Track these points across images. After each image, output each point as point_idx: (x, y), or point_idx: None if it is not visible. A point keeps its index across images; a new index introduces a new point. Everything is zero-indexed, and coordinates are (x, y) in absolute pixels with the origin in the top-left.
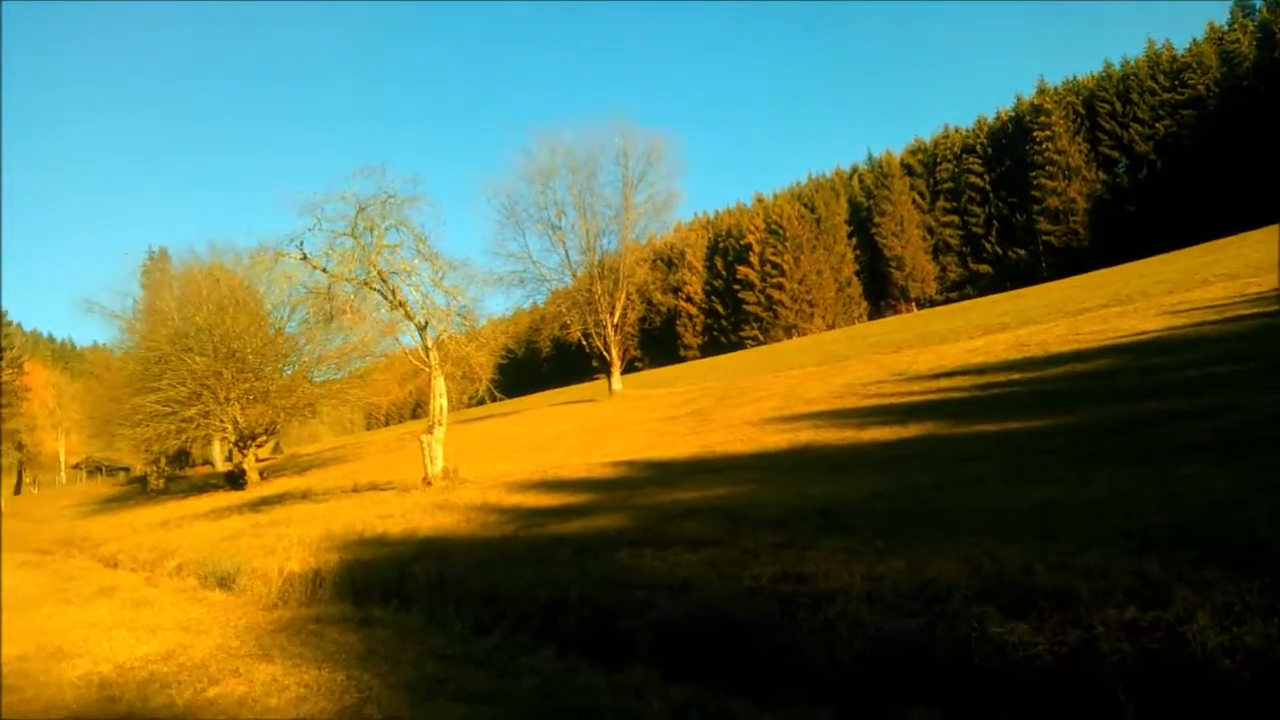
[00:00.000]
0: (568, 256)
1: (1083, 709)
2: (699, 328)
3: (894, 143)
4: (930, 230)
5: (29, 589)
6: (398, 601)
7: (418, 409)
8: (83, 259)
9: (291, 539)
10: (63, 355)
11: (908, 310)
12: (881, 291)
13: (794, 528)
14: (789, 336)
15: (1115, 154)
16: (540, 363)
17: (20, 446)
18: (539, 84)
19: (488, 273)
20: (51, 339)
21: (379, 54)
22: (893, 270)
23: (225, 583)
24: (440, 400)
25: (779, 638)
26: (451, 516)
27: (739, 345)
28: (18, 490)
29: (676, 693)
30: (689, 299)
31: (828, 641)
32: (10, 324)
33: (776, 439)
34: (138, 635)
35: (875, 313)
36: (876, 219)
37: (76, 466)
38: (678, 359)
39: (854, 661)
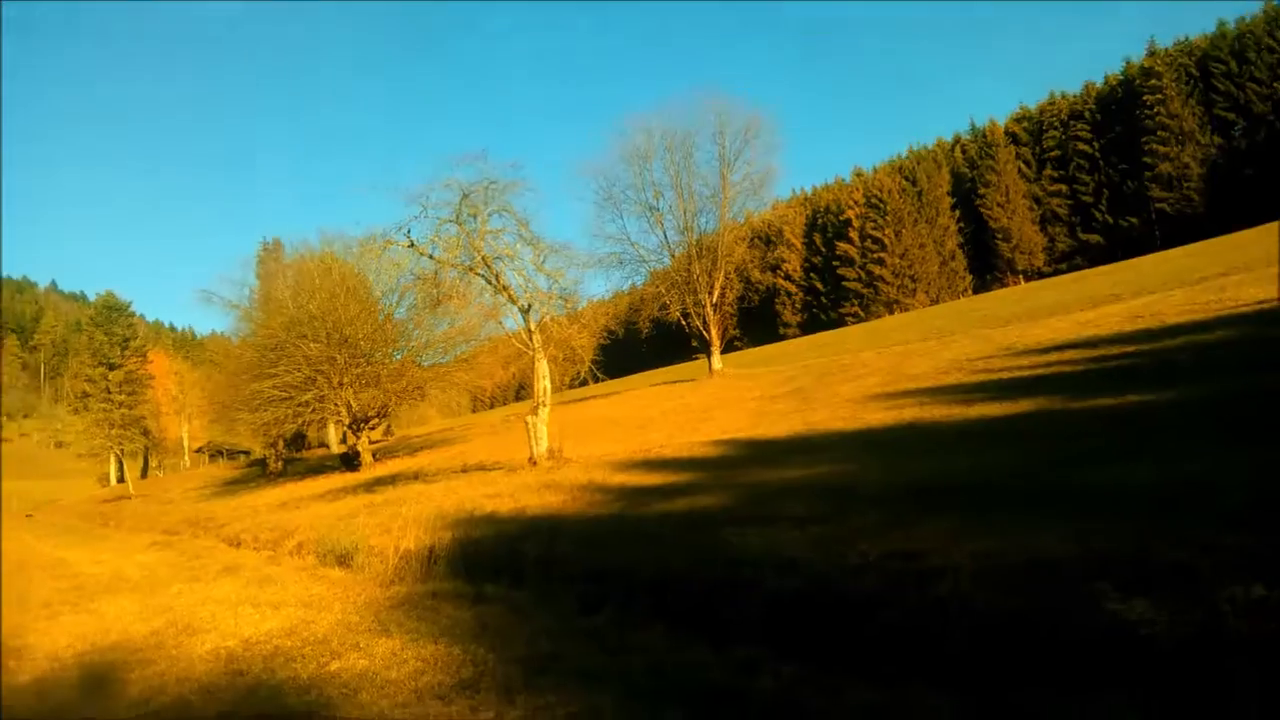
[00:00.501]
0: (666, 237)
1: (1209, 690)
2: (798, 305)
3: (997, 111)
4: (1037, 200)
5: (159, 568)
6: (508, 578)
7: (520, 391)
8: (202, 251)
9: (405, 518)
10: (184, 344)
11: (1015, 283)
12: (987, 265)
13: (900, 505)
14: (891, 313)
15: (1231, 116)
16: (639, 343)
17: (146, 432)
18: (636, 65)
19: (587, 255)
20: (173, 328)
21: (481, 44)
22: (998, 242)
23: (343, 560)
24: (544, 382)
25: (888, 615)
26: (558, 495)
27: (839, 322)
28: (144, 474)
29: (786, 670)
30: (788, 276)
31: (938, 619)
32: (134, 315)
33: (880, 416)
34: (262, 611)
35: (981, 286)
36: (981, 190)
37: (199, 450)
38: (777, 337)
39: (965, 640)
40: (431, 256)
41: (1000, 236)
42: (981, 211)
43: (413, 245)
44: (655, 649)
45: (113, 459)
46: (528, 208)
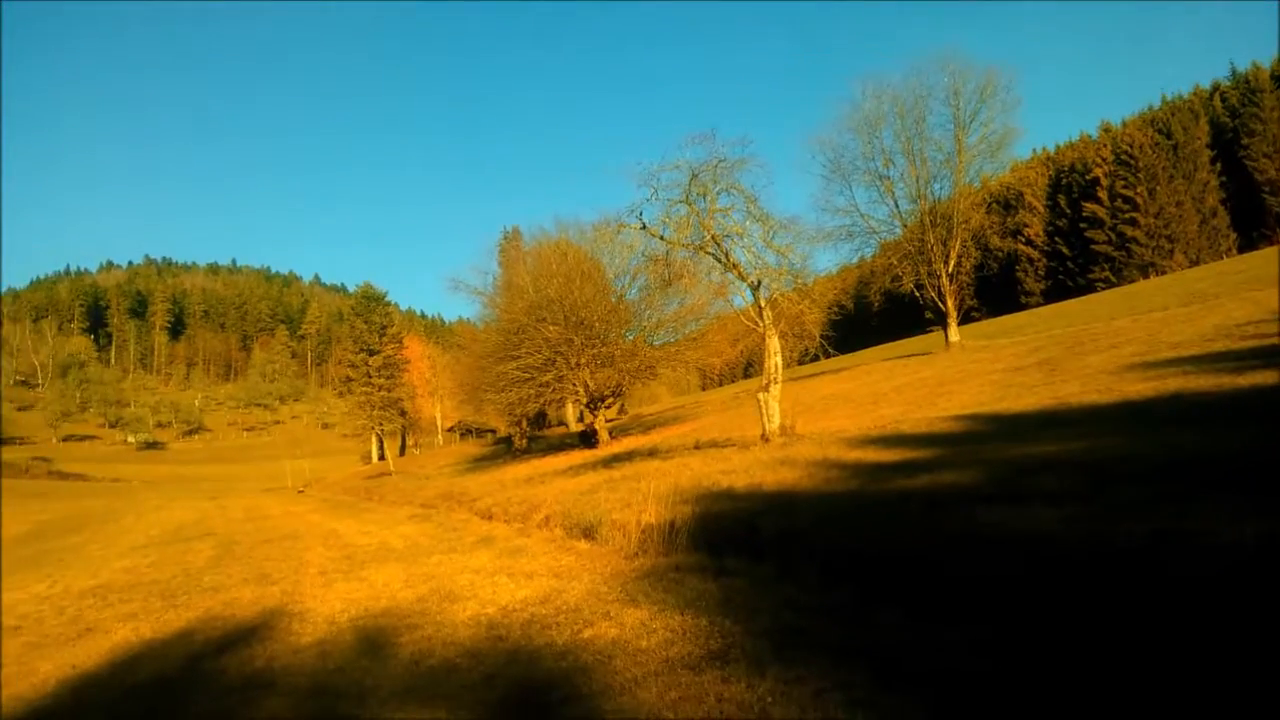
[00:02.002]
0: (897, 206)
1: None
2: (1041, 272)
3: (1261, 54)
4: None
5: (419, 539)
6: (748, 553)
7: (749, 368)
8: (448, 242)
9: (644, 493)
10: (434, 330)
11: None
12: (1253, 221)
13: (1166, 482)
14: (1145, 276)
15: None
16: (870, 317)
17: (403, 413)
18: (872, 27)
19: (816, 229)
20: (424, 315)
21: (707, 20)
22: (1266, 196)
23: (588, 533)
24: (775, 358)
25: (1160, 600)
26: (793, 472)
27: (1088, 288)
28: (402, 452)
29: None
30: (1029, 242)
31: (1219, 607)
32: (390, 304)
33: (1139, 387)
34: (516, 581)
35: (1247, 245)
36: (1244, 140)
37: (451, 429)
38: (1018, 306)
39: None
40: (662, 237)
41: (1267, 190)
42: (1246, 164)
43: (644, 227)
44: (899, 628)
45: (374, 438)
46: (755, 184)
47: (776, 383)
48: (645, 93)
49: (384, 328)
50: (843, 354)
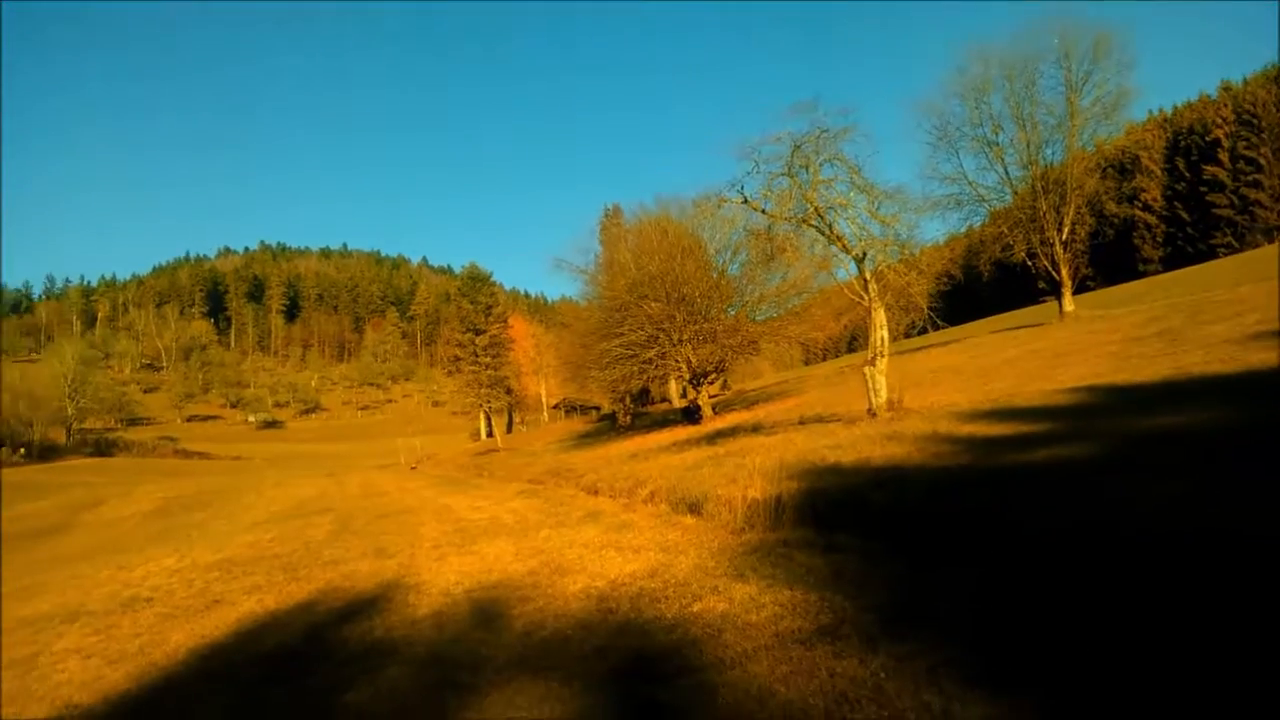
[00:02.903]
0: (1006, 173)
1: None
2: (1159, 238)
3: None
4: None
5: (528, 513)
6: (857, 528)
7: (853, 342)
8: (551, 222)
9: (749, 468)
10: (538, 309)
11: None
12: None
13: None
14: (1270, 241)
15: None
16: (980, 288)
17: (509, 391)
18: None
19: (922, 198)
20: (528, 295)
21: None
22: None
23: (694, 508)
24: (881, 332)
25: None
26: (902, 447)
27: (1209, 255)
28: (509, 429)
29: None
30: (1146, 207)
31: None
32: (495, 284)
33: (1264, 357)
34: (624, 555)
35: None
36: None
37: (556, 406)
38: (1136, 274)
39: None
40: (764, 211)
41: None
42: None
43: (746, 201)
44: (1017, 607)
45: (482, 415)
46: (859, 154)
47: (883, 356)
48: (744, 66)
49: (489, 308)
50: (951, 326)
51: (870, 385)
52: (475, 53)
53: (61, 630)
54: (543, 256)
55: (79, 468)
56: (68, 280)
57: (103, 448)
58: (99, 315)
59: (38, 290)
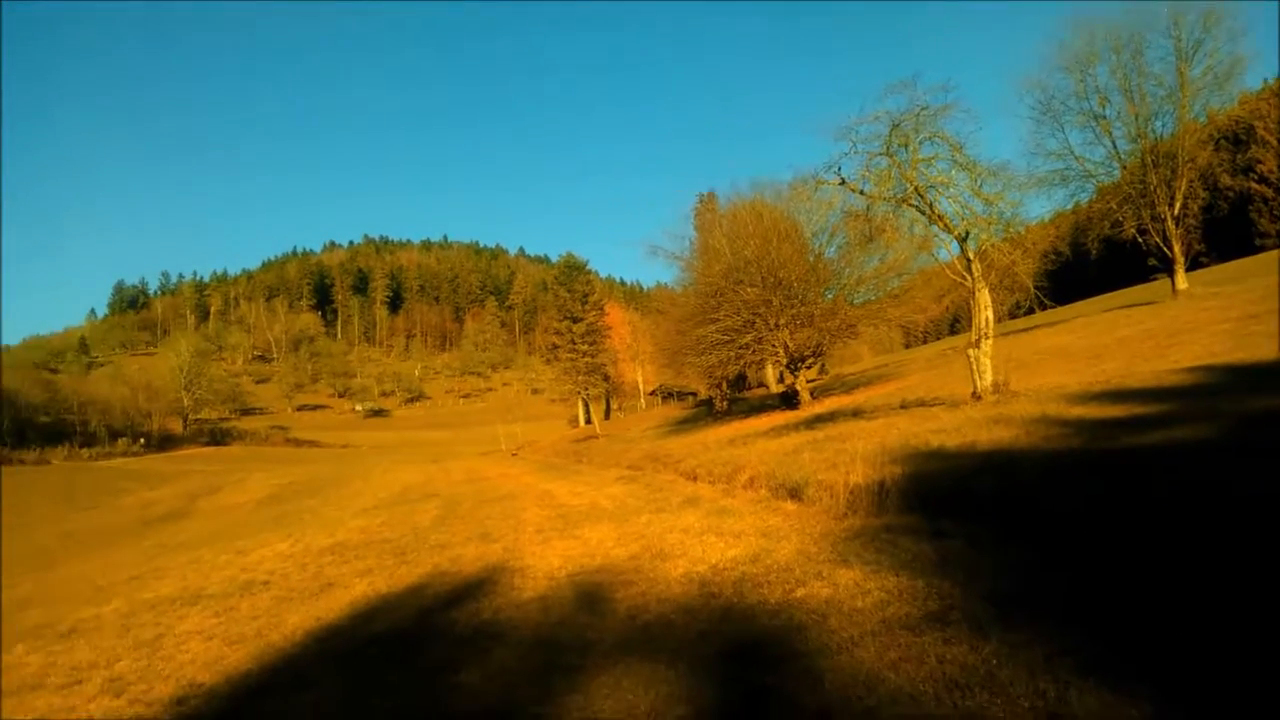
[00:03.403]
0: (1114, 147)
1: None
2: (1277, 212)
3: None
4: None
5: (628, 499)
6: (963, 514)
7: (955, 324)
8: (643, 209)
9: (850, 453)
10: (633, 296)
11: None
12: None
13: None
14: None
15: None
16: (1088, 266)
17: (607, 378)
18: None
19: (1026, 175)
20: (623, 282)
21: None
22: None
23: (794, 494)
24: (985, 312)
25: None
26: (1009, 430)
27: None
28: (607, 415)
29: None
30: (1263, 179)
31: None
32: (591, 272)
33: None
34: (725, 540)
35: None
36: None
37: (652, 393)
38: (1252, 250)
39: None
40: (862, 192)
41: None
42: None
43: (843, 182)
44: (1137, 596)
45: (580, 402)
46: (961, 131)
47: (987, 338)
48: (841, 48)
49: (586, 295)
50: (1058, 306)
51: (975, 368)
52: (570, 42)
53: (183, 613)
54: (638, 244)
55: (196, 456)
56: (181, 276)
57: (218, 437)
58: (211, 309)
59: (153, 286)
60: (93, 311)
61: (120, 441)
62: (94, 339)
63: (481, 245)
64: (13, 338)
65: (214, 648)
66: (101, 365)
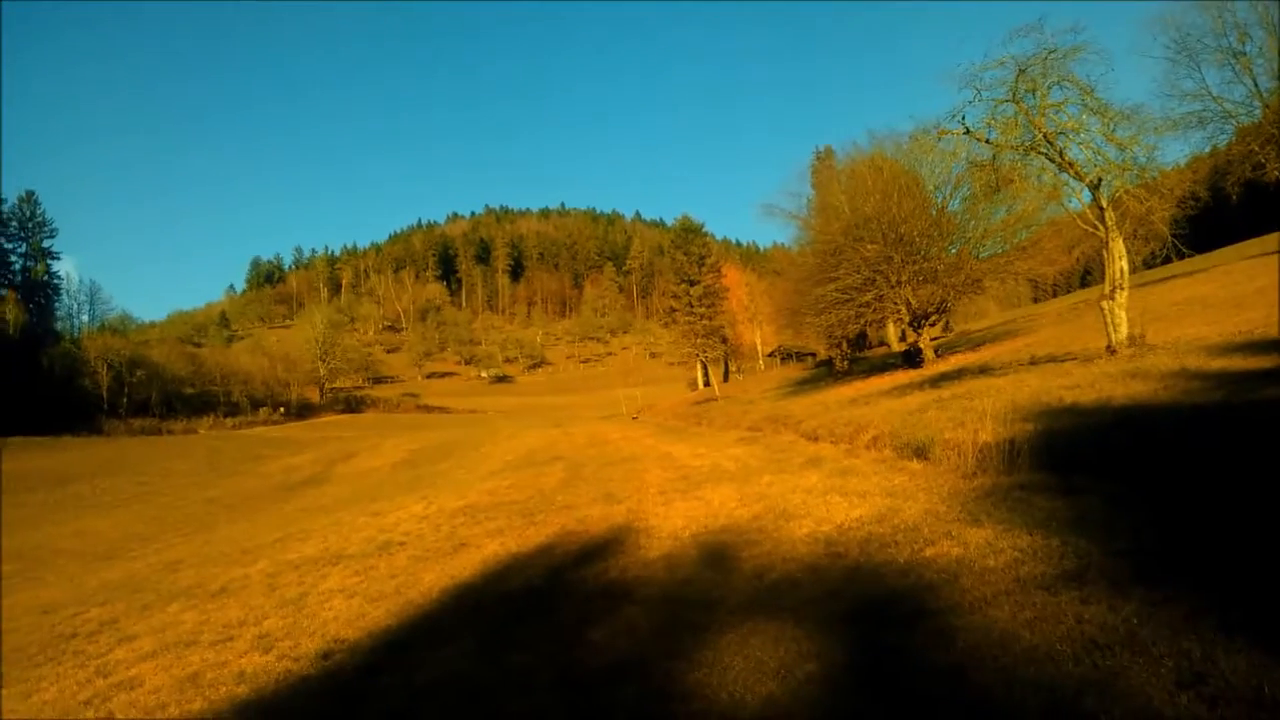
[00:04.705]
0: (1256, 85)
1: None
2: None
3: None
4: None
5: (749, 460)
6: (1099, 471)
7: (1086, 277)
8: (760, 168)
9: (978, 411)
10: (749, 257)
11: None
12: None
13: None
14: None
15: None
16: (1228, 212)
17: (724, 340)
18: None
19: (1162, 118)
20: (739, 243)
21: None
22: None
23: (920, 453)
24: (1120, 263)
25: None
26: (1146, 384)
27: None
28: (725, 378)
29: None
30: None
31: None
32: (707, 234)
33: None
34: (849, 500)
35: None
36: None
37: (771, 354)
38: None
39: None
40: (987, 141)
41: None
42: None
43: (968, 132)
44: None
45: (698, 365)
46: (1092, 74)
47: (1122, 289)
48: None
49: (702, 258)
50: (1196, 254)
51: (1109, 320)
52: (678, 5)
53: (325, 572)
54: (753, 204)
55: (332, 423)
56: (314, 251)
57: (353, 404)
58: (343, 282)
59: (288, 261)
60: (231, 287)
61: (261, 410)
62: (234, 313)
63: (598, 211)
64: (159, 313)
65: (355, 605)
66: (241, 338)
